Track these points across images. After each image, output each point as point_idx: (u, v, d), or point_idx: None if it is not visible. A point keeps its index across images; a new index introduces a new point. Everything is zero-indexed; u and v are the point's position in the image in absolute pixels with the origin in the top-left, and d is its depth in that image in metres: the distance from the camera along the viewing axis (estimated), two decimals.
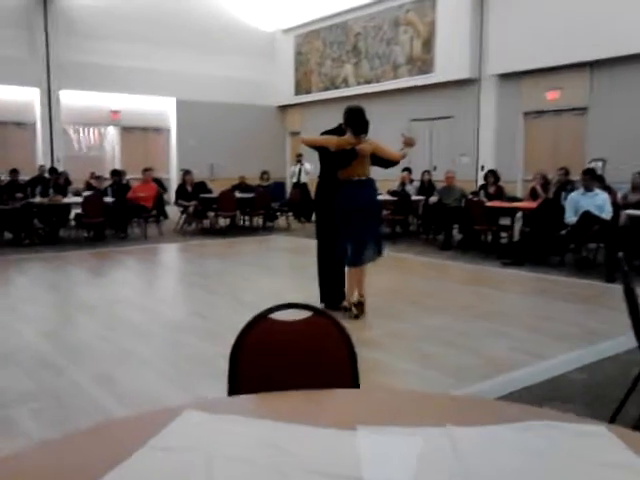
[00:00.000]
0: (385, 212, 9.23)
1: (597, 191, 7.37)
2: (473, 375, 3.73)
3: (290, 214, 12.79)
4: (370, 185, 5.09)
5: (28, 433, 2.90)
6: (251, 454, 1.12)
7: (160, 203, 11.43)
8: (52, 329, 4.90)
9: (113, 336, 4.65)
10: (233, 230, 11.66)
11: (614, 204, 7.55)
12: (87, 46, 14.31)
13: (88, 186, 11.68)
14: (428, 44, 13.49)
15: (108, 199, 10.38)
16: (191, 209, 11.24)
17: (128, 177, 12.52)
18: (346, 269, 5.20)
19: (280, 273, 7.95)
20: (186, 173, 11.80)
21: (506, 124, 12.44)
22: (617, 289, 3.15)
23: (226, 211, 11.38)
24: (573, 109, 11.44)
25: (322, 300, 5.35)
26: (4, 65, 13.26)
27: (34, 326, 4.93)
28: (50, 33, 14.17)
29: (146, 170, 11.25)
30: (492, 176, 9.55)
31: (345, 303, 5.17)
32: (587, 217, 7.07)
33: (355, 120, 4.98)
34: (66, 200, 10.35)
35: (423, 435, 1.20)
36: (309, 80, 16.80)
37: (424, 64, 13.61)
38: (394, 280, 6.88)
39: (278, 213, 12.62)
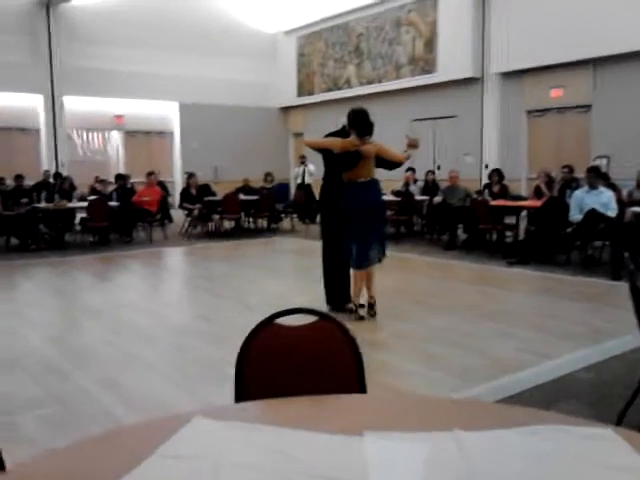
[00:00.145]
0: (389, 212, 9.21)
1: (602, 189, 7.34)
2: (479, 376, 3.72)
3: (294, 216, 12.78)
4: (375, 186, 5.10)
5: (35, 440, 2.91)
6: (258, 460, 1.13)
7: (165, 207, 11.44)
8: (58, 334, 4.92)
9: (119, 340, 4.66)
10: (238, 232, 11.67)
11: (619, 201, 7.51)
12: (90, 52, 14.35)
13: (93, 190, 11.72)
14: (430, 44, 13.48)
15: (113, 203, 10.41)
16: (196, 212, 11.25)
17: (132, 181, 12.52)
18: (351, 271, 5.21)
19: (285, 275, 7.96)
20: (190, 176, 11.80)
21: (509, 123, 12.41)
22: (623, 287, 3.14)
23: (230, 213, 11.39)
24: (576, 107, 11.42)
25: (328, 302, 5.36)
26: (8, 71, 13.28)
27: (40, 331, 4.95)
28: (53, 39, 14.22)
29: (150, 174, 11.28)
30: (496, 175, 9.52)
31: (351, 305, 5.18)
32: (592, 215, 7.05)
33: (360, 122, 4.99)
34: (71, 205, 10.39)
35: (430, 440, 1.20)
36: (312, 81, 16.80)
37: (426, 64, 13.61)
38: (399, 280, 6.88)
39: (282, 215, 12.62)
